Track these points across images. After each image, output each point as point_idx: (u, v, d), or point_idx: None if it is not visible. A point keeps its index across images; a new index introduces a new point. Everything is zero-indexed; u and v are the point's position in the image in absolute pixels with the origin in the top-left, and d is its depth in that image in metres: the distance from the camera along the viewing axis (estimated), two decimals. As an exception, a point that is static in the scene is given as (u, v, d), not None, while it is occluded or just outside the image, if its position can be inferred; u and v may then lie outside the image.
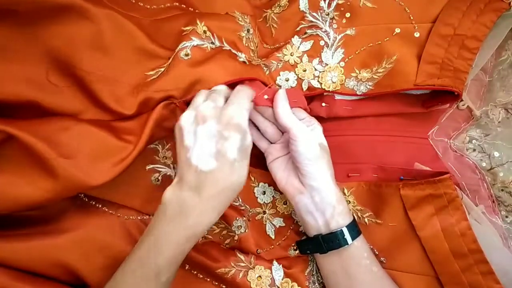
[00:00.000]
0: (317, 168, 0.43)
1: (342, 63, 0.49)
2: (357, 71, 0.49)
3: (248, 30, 0.50)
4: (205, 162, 0.37)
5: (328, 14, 0.50)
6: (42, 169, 0.40)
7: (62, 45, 0.42)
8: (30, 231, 0.44)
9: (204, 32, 0.47)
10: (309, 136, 0.44)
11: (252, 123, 0.49)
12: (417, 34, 0.47)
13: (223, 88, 0.44)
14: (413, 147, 0.52)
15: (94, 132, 0.42)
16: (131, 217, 0.48)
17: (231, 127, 0.38)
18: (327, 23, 0.49)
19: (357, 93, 0.49)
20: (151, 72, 0.45)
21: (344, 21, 0.49)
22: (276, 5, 0.51)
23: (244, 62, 0.48)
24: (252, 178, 0.51)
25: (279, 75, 0.50)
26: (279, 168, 0.47)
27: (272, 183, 0.50)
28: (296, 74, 0.50)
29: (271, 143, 0.50)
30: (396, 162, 0.51)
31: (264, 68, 0.50)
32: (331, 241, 0.43)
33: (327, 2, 0.49)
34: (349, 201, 0.50)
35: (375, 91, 0.48)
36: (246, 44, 0.50)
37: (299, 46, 0.50)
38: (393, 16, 0.48)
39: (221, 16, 0.49)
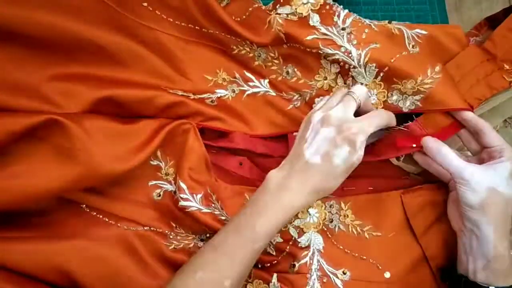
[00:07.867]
0: (479, 216, 0.40)
1: (379, 78, 0.44)
2: (400, 83, 0.43)
3: (259, 55, 0.49)
4: (313, 156, 0.42)
5: (344, 29, 0.43)
6: (63, 156, 0.41)
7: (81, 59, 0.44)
8: (32, 235, 0.44)
9: (224, 80, 0.50)
10: (474, 179, 0.40)
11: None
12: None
13: (362, 93, 0.43)
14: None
15: (109, 127, 0.45)
16: (131, 228, 0.47)
17: (346, 140, 0.41)
18: (345, 38, 0.43)
19: (403, 110, 0.44)
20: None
21: (364, 36, 0.42)
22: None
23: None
24: (247, 197, 0.49)
25: (315, 102, 0.48)
26: (451, 198, 0.46)
27: None
28: None
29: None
30: (392, 174, 0.51)
31: (297, 96, 0.49)
32: None
33: (341, 18, 0.42)
34: (347, 215, 0.50)
35: (423, 108, 0.44)
36: (264, 65, 0.50)
37: (330, 68, 0.45)
38: None
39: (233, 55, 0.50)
